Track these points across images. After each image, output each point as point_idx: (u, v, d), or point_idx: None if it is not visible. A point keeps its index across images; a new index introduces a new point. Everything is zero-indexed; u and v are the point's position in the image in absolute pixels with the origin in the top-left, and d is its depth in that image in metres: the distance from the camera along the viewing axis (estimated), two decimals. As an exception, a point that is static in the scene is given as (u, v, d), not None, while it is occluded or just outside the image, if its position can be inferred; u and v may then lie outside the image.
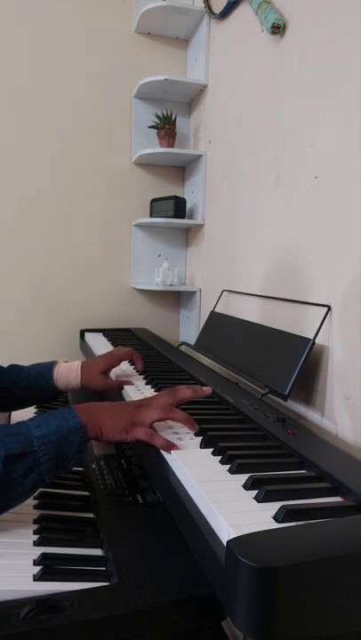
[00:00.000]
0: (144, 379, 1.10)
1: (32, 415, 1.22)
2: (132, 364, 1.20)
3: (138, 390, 1.00)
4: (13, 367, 1.04)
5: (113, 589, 0.61)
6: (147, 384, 1.06)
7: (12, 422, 1.15)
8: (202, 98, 1.78)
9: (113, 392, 1.04)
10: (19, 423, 0.71)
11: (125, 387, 1.02)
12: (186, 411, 0.78)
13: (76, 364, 1.04)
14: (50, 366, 1.03)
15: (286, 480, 0.62)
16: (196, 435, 0.75)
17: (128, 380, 1.06)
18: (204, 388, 0.82)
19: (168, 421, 0.78)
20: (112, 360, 1.06)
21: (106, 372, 1.05)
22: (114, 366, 1.07)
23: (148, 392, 1.00)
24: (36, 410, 1.27)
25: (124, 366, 1.19)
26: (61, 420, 0.70)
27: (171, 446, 0.70)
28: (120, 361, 1.08)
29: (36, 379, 1.02)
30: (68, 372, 1.02)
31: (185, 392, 0.78)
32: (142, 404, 0.77)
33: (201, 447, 0.71)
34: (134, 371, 1.16)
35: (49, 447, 0.67)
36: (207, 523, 0.53)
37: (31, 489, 0.68)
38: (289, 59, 1.15)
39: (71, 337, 1.86)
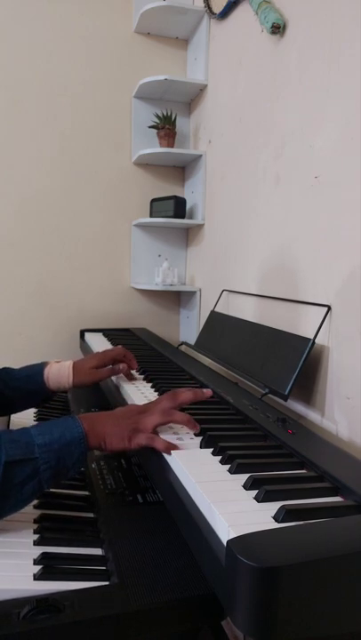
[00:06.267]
0: (144, 379, 1.10)
1: (32, 418, 1.23)
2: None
3: (138, 390, 1.01)
4: (3, 370, 1.03)
5: (113, 589, 0.61)
6: (147, 384, 1.06)
7: (11, 427, 1.14)
8: (202, 98, 1.78)
9: (106, 379, 1.05)
10: (22, 429, 0.71)
11: (125, 386, 1.02)
12: (185, 411, 0.79)
13: (67, 364, 1.03)
14: (41, 368, 1.02)
15: (286, 480, 0.62)
16: (197, 435, 0.76)
17: (118, 368, 1.05)
18: (204, 390, 0.81)
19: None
20: (105, 358, 1.06)
21: (97, 369, 1.04)
22: (106, 364, 1.06)
23: (148, 391, 1.00)
24: (35, 411, 1.27)
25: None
26: (64, 430, 0.70)
27: (172, 447, 0.70)
28: (113, 360, 1.07)
29: (27, 380, 1.01)
30: (60, 373, 1.01)
31: (185, 395, 0.78)
32: (144, 409, 0.77)
33: (201, 447, 0.71)
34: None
35: (50, 456, 0.67)
36: (207, 523, 0.54)
37: (29, 497, 0.67)
38: (289, 58, 1.15)
39: (71, 337, 1.86)
